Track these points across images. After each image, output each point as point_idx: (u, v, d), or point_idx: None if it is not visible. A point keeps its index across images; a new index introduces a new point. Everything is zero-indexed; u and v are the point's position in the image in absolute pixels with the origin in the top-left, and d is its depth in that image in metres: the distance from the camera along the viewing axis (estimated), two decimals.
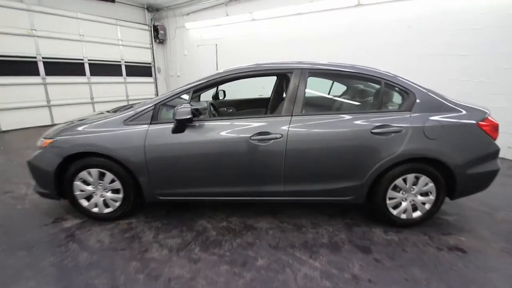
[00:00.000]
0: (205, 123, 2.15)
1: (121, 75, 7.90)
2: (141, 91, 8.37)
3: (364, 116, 2.15)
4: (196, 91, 2.25)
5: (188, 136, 2.09)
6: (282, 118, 2.14)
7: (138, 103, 2.37)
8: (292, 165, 2.12)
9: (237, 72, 2.23)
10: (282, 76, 2.89)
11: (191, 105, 2.03)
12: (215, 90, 3.82)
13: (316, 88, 2.60)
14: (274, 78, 3.60)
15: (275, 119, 2.15)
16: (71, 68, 6.83)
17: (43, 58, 6.29)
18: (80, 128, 2.19)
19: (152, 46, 8.56)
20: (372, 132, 2.08)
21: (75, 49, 6.84)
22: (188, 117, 1.96)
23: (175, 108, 1.99)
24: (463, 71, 4.60)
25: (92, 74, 7.20)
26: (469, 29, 4.46)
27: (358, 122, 2.12)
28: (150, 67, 8.69)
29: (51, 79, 6.48)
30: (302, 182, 2.19)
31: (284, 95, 3.41)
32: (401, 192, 2.24)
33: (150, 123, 2.13)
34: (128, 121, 2.14)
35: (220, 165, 2.13)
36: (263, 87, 7.00)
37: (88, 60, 7.09)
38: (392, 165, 2.12)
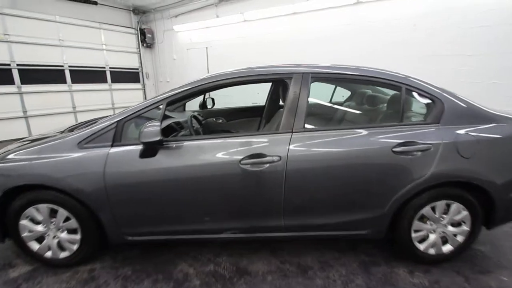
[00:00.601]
0: (184, 144, 1.69)
1: (105, 81, 7.40)
2: (128, 98, 7.88)
3: (383, 131, 1.72)
4: (173, 102, 1.80)
5: (161, 160, 1.64)
6: (280, 135, 1.70)
7: (102, 117, 1.90)
8: (294, 194, 1.68)
9: (224, 78, 1.80)
10: (279, 82, 2.46)
11: (166, 121, 1.60)
12: (202, 98, 3.37)
13: (317, 95, 2.17)
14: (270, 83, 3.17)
15: (272, 137, 1.71)
16: (50, 75, 6.33)
17: (18, 65, 5.79)
18: (21, 154, 1.72)
19: (139, 51, 8.10)
20: (394, 151, 1.65)
21: (54, 55, 6.34)
22: (156, 139, 1.51)
23: (142, 127, 1.54)
24: (472, 72, 4.23)
25: (74, 81, 6.70)
26: (478, 27, 4.10)
27: (376, 138, 1.69)
28: (138, 72, 8.22)
29: (27, 87, 5.97)
30: (307, 214, 1.74)
31: (281, 102, 3.00)
32: (428, 223, 1.81)
33: (112, 145, 1.67)
34: (84, 143, 1.68)
35: (202, 196, 1.68)
36: (257, 93, 6.59)
37: (69, 66, 6.60)
38: (419, 191, 1.70)
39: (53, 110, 6.42)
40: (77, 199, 1.68)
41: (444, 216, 1.80)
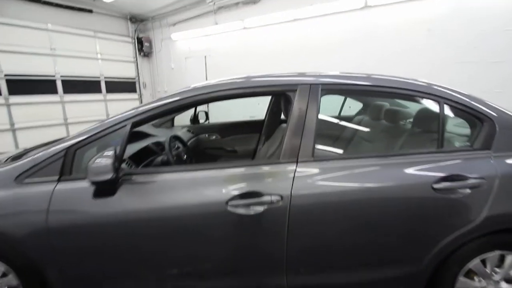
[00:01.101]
0: (154, 177, 1.29)
1: (100, 92, 7.09)
2: (124, 109, 7.51)
3: (418, 160, 1.30)
4: (141, 123, 1.40)
5: (122, 201, 1.23)
6: (281, 166, 1.29)
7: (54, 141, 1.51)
8: (300, 246, 1.26)
9: (212, 91, 1.40)
10: (280, 95, 2.08)
11: (138, 144, 1.24)
12: (194, 112, 2.99)
13: (323, 109, 1.78)
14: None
15: (271, 169, 1.30)
16: (40, 86, 6.02)
17: (5, 75, 5.49)
18: None
19: (136, 60, 7.81)
20: (434, 188, 1.23)
21: (45, 65, 6.05)
22: (107, 178, 1.10)
23: (92, 159, 1.13)
24: (498, 81, 3.81)
25: (66, 91, 6.38)
26: (503, 31, 3.70)
27: (410, 171, 1.27)
28: (134, 82, 7.91)
29: (15, 99, 5.65)
30: (317, 272, 1.31)
31: (283, 116, 2.61)
32: (477, 279, 1.37)
33: (59, 180, 1.27)
34: (23, 177, 1.28)
35: (177, 250, 1.26)
36: (258, 103, 6.25)
37: (61, 76, 6.30)
38: (467, 240, 1.27)
39: (43, 122, 6.09)
40: (15, 249, 1.26)
41: (497, 270, 1.36)
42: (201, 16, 6.48)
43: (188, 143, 2.49)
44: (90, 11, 6.70)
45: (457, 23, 3.95)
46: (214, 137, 2.97)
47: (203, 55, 6.87)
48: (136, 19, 7.57)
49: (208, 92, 1.37)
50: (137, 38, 7.67)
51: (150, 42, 7.75)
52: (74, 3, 6.44)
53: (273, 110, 2.80)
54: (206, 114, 3.12)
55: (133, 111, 1.35)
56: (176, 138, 2.08)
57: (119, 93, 7.48)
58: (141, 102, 8.15)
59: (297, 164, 1.27)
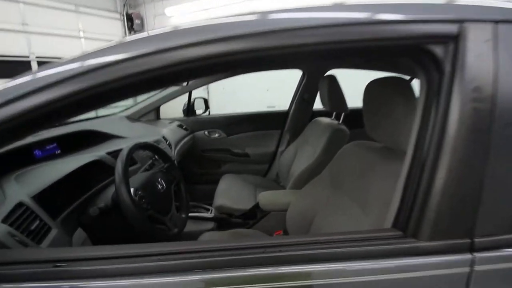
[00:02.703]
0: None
1: None
2: None
3: None
4: None
5: None
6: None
7: None
8: None
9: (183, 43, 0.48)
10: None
11: None
12: (188, 100, 2.11)
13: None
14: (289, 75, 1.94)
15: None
16: (12, 68, 5.10)
17: None
18: None
19: None
20: None
21: (17, 44, 5.12)
22: None
23: None
24: None
25: None
26: None
27: None
28: None
29: None
30: None
31: (320, 106, 1.73)
32: None
33: None
34: None
35: None
36: (267, 89, 5.34)
37: (37, 57, 5.37)
38: None
39: None
40: None
41: None
42: None
43: (176, 151, 1.62)
44: None
45: None
46: (216, 135, 2.11)
47: None
48: None
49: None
50: (126, 14, 6.68)
51: (141, 18, 6.77)
52: None
53: (303, 97, 1.93)
54: (206, 102, 2.25)
55: None
56: (145, 148, 1.17)
57: None
58: None
59: (473, 251, 0.42)
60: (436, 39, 0.48)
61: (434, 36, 0.48)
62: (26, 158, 1.12)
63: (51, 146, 1.27)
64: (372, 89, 0.78)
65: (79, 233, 0.88)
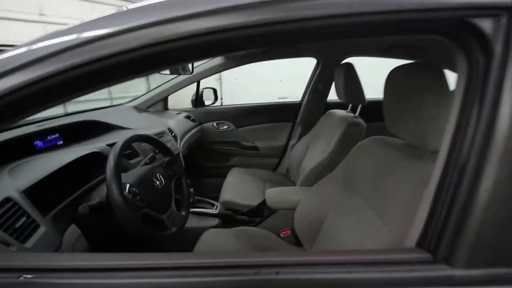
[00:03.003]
0: None
1: None
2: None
3: None
4: None
5: None
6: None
7: None
8: None
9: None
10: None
11: None
12: (196, 90, 2.04)
13: None
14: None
15: None
16: None
17: None
18: None
19: None
20: None
21: (33, 33, 5.20)
22: None
23: None
24: None
25: None
26: None
27: None
28: None
29: None
30: None
31: (332, 97, 1.60)
32: None
33: None
34: None
35: None
36: (280, 80, 5.18)
37: None
38: None
39: None
40: None
41: None
42: None
43: (182, 143, 1.56)
44: None
45: None
46: (225, 127, 2.03)
47: None
48: None
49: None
50: None
51: None
52: None
53: (316, 88, 1.82)
54: (215, 92, 2.17)
55: None
56: (142, 140, 1.11)
57: None
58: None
59: None
60: (484, 10, 0.37)
61: (481, 6, 0.37)
62: (26, 149, 1.09)
63: (53, 136, 1.23)
64: (395, 76, 0.67)
65: (73, 230, 0.84)
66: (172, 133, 1.55)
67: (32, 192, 0.81)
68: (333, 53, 1.70)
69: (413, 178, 0.62)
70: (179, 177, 1.08)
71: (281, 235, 1.18)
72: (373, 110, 1.20)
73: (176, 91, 1.92)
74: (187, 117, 1.94)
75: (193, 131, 1.88)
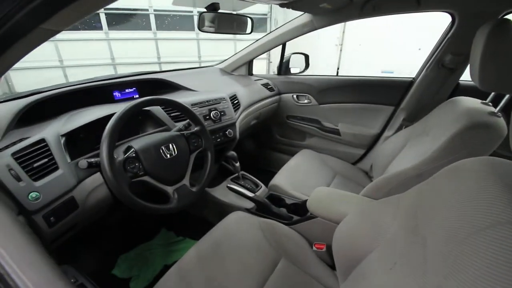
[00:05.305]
0: None
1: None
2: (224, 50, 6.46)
3: None
4: None
5: None
6: None
7: None
8: None
9: None
10: None
11: None
12: (280, 56, 1.80)
13: None
14: None
15: None
16: (133, 20, 5.52)
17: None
18: None
19: None
20: None
21: None
22: None
23: None
24: None
25: (159, 28, 5.72)
26: None
27: None
28: (265, 18, 6.97)
29: (113, 34, 5.39)
30: None
31: (467, 79, 0.98)
32: None
33: None
34: None
35: None
36: (419, 48, 4.02)
37: (155, 10, 5.60)
38: None
39: (137, 59, 5.70)
40: None
41: None
42: None
43: (245, 113, 1.43)
44: None
45: None
46: (306, 101, 1.73)
47: None
48: None
49: None
50: None
51: None
52: None
53: (442, 61, 1.23)
54: (306, 58, 1.84)
55: None
56: (162, 104, 0.95)
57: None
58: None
59: None
60: None
61: None
62: (106, 99, 1.22)
63: (131, 90, 1.35)
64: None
65: (96, 178, 0.85)
66: (235, 100, 1.42)
67: (71, 136, 0.86)
68: (482, 4, 1.04)
69: None
70: (204, 149, 0.96)
71: (314, 248, 0.91)
72: None
73: (259, 55, 1.75)
74: (265, 84, 1.76)
75: (267, 100, 1.70)
